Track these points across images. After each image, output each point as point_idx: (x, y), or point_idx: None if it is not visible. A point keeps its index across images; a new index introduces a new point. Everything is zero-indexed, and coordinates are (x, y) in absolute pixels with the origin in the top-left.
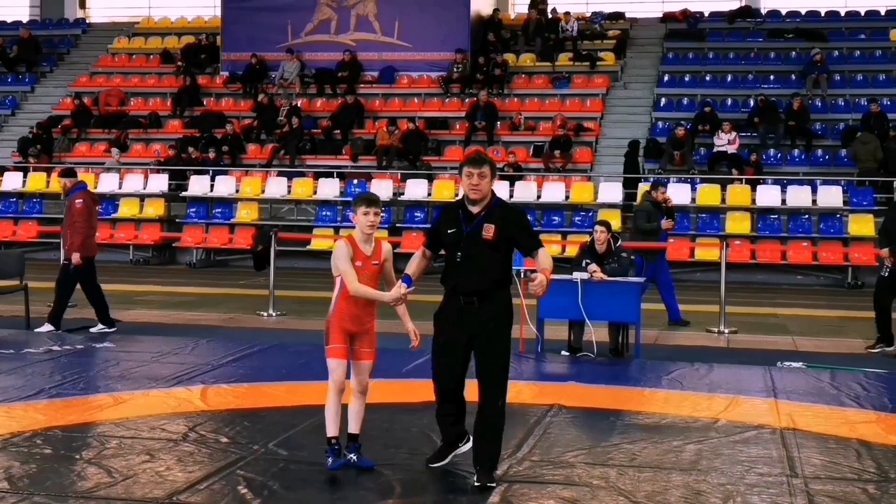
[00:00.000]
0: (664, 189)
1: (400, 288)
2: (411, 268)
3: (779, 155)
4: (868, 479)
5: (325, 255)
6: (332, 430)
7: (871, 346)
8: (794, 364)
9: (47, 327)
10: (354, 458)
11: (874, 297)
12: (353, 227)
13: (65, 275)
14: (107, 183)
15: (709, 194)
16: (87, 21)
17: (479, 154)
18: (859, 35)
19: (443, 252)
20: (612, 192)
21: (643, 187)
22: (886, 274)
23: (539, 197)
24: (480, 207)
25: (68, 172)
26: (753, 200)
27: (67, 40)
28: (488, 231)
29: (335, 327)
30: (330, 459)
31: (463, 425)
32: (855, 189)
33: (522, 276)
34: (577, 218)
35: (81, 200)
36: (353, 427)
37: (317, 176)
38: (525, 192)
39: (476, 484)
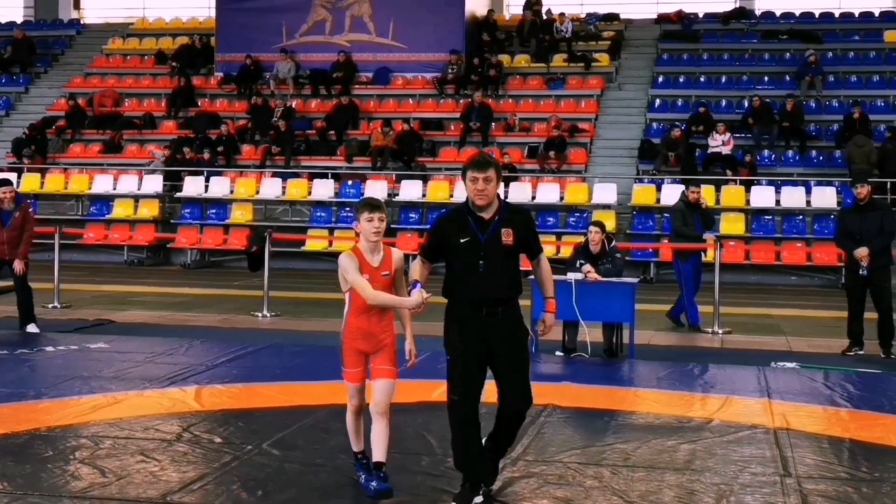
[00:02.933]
0: (697, 189)
1: (422, 293)
2: (417, 275)
3: (773, 156)
4: (861, 479)
5: (320, 256)
6: (356, 445)
7: (846, 350)
8: (788, 364)
9: (33, 328)
10: (374, 485)
11: (851, 297)
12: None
13: (21, 281)
14: (101, 184)
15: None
16: (82, 22)
17: (484, 156)
18: (853, 36)
19: (445, 262)
20: (606, 192)
21: (637, 188)
22: (866, 273)
23: (534, 198)
24: (491, 212)
25: (5, 181)
26: (748, 201)
27: (62, 41)
28: (508, 236)
29: (348, 349)
30: (362, 476)
31: (484, 458)
32: (849, 190)
33: None
34: (571, 219)
35: (32, 210)
36: (377, 454)
37: (311, 177)
38: (520, 193)
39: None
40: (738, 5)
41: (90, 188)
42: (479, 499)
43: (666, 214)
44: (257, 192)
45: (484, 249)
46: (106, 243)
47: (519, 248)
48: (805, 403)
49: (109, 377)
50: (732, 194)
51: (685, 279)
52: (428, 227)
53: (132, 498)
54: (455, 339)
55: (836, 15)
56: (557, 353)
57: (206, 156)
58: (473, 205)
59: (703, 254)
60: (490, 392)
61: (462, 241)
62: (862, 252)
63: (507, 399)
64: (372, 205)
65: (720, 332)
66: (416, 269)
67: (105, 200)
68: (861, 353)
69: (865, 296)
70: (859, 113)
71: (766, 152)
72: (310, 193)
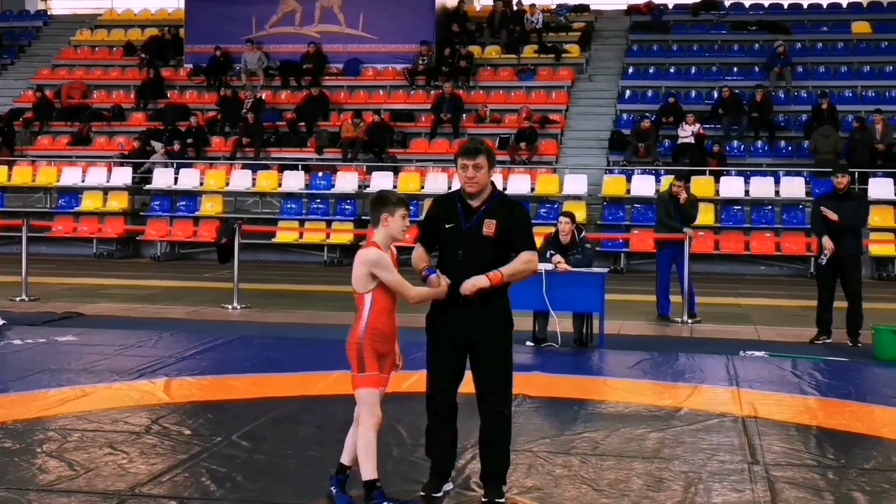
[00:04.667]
0: (679, 183)
1: (443, 277)
2: (425, 261)
3: (742, 146)
4: (827, 466)
5: (290, 247)
6: (373, 472)
7: (814, 339)
8: (757, 353)
9: None
10: (333, 490)
11: (822, 286)
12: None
13: None
14: (69, 176)
15: None
16: (49, 13)
17: (475, 143)
18: (821, 27)
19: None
20: (577, 183)
21: (607, 179)
22: (824, 262)
23: (505, 189)
24: (480, 201)
25: None
26: (717, 191)
27: (29, 32)
28: (489, 227)
29: (370, 352)
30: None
31: (455, 450)
32: (817, 180)
33: None
34: (542, 210)
35: None
36: (346, 457)
37: (281, 168)
38: None
39: (484, 500)
40: None
41: (58, 180)
42: (448, 486)
43: (636, 205)
44: (227, 184)
45: (464, 238)
46: (75, 236)
47: (502, 241)
48: (773, 392)
49: (78, 370)
50: (702, 185)
51: (660, 269)
52: None
53: (100, 490)
54: (434, 329)
55: (805, 6)
56: (528, 343)
57: (176, 148)
58: (465, 192)
59: (684, 245)
60: (469, 383)
61: (447, 227)
62: (827, 242)
63: (484, 399)
64: (408, 203)
65: (689, 321)
66: (421, 256)
67: (74, 193)
68: (829, 341)
69: (835, 285)
70: (827, 103)
71: (735, 143)
72: (280, 185)
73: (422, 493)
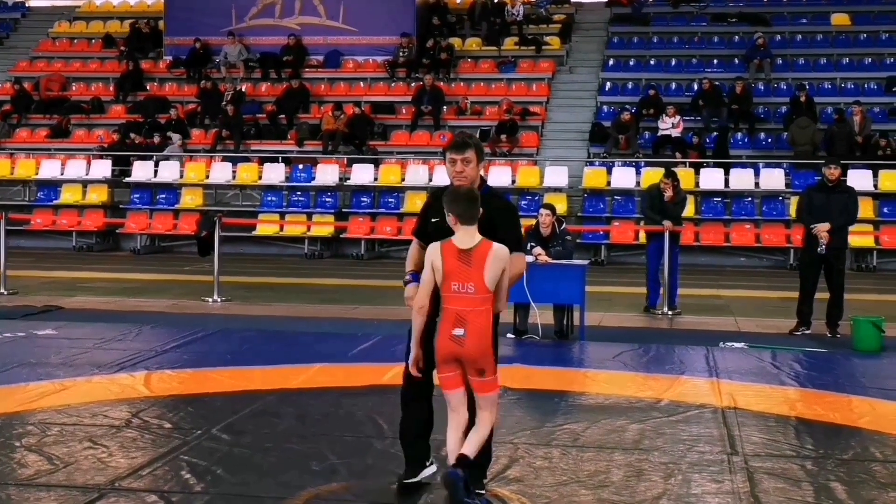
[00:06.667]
0: (667, 181)
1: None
2: (413, 263)
3: None
4: (806, 456)
5: (271, 240)
6: (474, 452)
7: (794, 330)
8: (736, 344)
9: None
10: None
11: (804, 278)
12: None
13: None
14: (48, 169)
15: (653, 178)
16: (27, 5)
17: (463, 137)
18: (801, 19)
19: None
20: (557, 175)
21: (588, 171)
22: (823, 251)
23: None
24: None
25: None
26: (697, 183)
27: (6, 24)
28: None
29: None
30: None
31: (428, 437)
32: (797, 172)
33: None
34: (523, 202)
35: None
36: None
37: (262, 161)
38: None
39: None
40: None
41: (37, 173)
42: (428, 471)
43: (616, 197)
44: (207, 177)
45: (447, 233)
46: (54, 229)
47: (488, 236)
48: (752, 383)
49: (57, 364)
50: (682, 177)
51: (650, 260)
52: (381, 210)
53: (80, 484)
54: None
55: None
56: (509, 335)
57: (156, 140)
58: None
59: (673, 237)
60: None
61: (433, 221)
62: (822, 227)
63: (471, 395)
64: None
65: (670, 313)
66: (413, 255)
67: (53, 186)
68: (808, 332)
69: (818, 277)
70: (805, 95)
71: (715, 134)
72: (260, 178)
73: (398, 483)
